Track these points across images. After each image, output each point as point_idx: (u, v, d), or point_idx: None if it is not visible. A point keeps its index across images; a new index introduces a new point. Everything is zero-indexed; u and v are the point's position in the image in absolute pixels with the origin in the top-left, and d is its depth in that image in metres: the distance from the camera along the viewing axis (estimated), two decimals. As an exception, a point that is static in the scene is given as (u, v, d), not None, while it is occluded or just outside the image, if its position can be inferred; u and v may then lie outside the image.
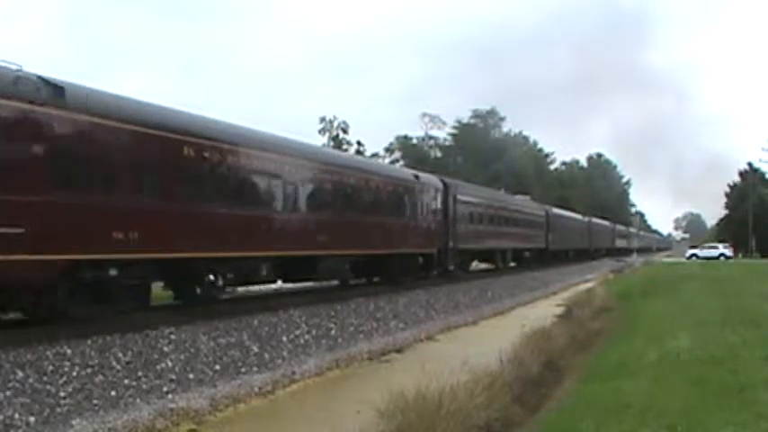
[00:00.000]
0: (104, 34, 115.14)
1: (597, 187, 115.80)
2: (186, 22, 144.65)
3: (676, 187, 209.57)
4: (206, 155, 14.55)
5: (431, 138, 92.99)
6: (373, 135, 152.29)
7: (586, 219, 68.69)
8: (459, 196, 30.43)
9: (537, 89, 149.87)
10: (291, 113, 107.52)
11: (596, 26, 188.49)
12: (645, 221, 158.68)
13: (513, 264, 41.53)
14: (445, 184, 29.47)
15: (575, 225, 61.59)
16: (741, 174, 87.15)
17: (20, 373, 9.52)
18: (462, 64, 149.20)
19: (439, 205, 27.86)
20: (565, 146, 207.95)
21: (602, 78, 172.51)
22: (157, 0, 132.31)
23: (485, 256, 37.29)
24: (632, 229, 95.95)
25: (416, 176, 26.90)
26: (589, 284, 35.07)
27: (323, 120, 72.67)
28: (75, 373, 10.02)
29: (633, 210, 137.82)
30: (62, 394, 9.35)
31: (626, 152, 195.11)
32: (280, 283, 19.60)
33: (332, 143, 69.18)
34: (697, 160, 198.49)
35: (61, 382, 9.66)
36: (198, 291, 15.37)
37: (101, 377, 10.19)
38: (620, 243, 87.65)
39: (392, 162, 77.92)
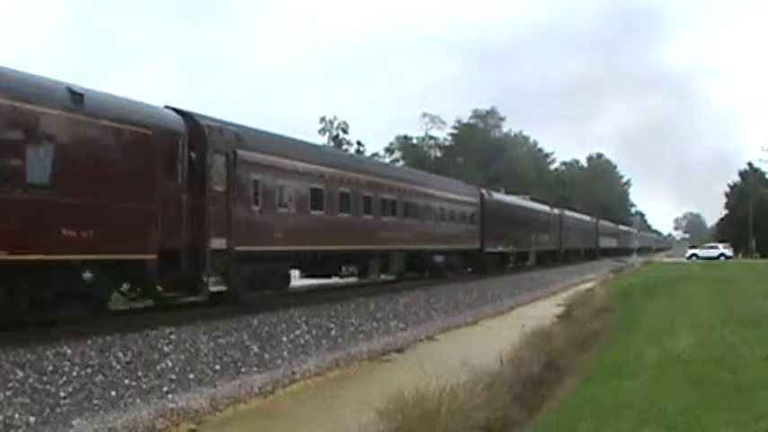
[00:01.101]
0: (109, 35, 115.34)
1: (597, 187, 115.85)
2: (189, 22, 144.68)
3: (681, 187, 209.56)
4: None
5: (431, 138, 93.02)
6: (373, 135, 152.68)
7: (556, 211, 54.64)
8: (242, 153, 16.35)
9: (539, 89, 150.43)
10: (292, 113, 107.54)
11: (602, 26, 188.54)
12: (645, 221, 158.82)
13: (421, 274, 27.94)
14: (194, 125, 15.29)
15: (533, 218, 45.76)
16: (741, 174, 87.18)
17: (20, 373, 9.52)
18: (464, 64, 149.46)
19: (171, 165, 14.27)
20: (568, 146, 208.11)
21: (606, 78, 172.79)
22: (161, 1, 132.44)
23: (333, 262, 21.15)
24: (623, 227, 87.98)
25: (75, 94, 12.20)
26: (589, 284, 35.06)
27: (323, 120, 72.77)
28: (75, 373, 10.02)
29: (633, 210, 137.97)
30: (62, 394, 9.35)
31: (629, 152, 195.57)
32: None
33: (332, 143, 69.17)
34: (702, 160, 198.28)
35: (61, 382, 9.66)
36: None
37: (101, 377, 10.19)
38: (606, 243, 74.86)
39: (392, 162, 77.72)
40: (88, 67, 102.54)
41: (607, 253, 72.80)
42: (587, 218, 70.18)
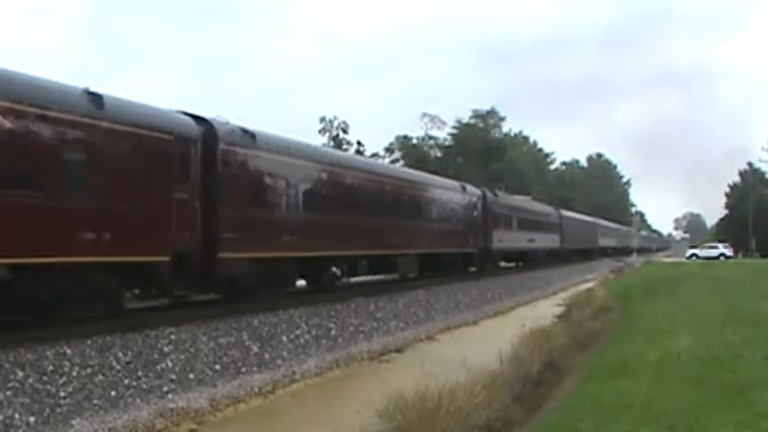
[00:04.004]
0: (119, 35, 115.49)
1: (597, 187, 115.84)
2: (195, 23, 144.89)
3: (685, 187, 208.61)
4: None
5: (431, 138, 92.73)
6: (373, 135, 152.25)
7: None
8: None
9: (540, 89, 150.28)
10: (293, 113, 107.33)
11: (604, 25, 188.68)
12: (645, 221, 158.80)
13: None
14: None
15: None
16: (741, 174, 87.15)
17: (20, 373, 9.52)
18: (464, 64, 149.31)
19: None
20: (568, 146, 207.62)
21: (608, 77, 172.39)
22: (166, 1, 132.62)
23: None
24: (579, 215, 67.28)
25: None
26: (589, 284, 35.04)
27: (323, 120, 72.61)
28: (75, 373, 10.02)
29: (633, 209, 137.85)
30: (62, 394, 9.35)
31: (630, 151, 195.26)
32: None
33: (332, 143, 69.09)
34: (709, 160, 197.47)
35: (61, 382, 9.66)
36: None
37: (101, 377, 10.19)
38: (532, 241, 44.13)
39: (392, 162, 77.71)
40: (99, 67, 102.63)
41: (525, 256, 59.63)
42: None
